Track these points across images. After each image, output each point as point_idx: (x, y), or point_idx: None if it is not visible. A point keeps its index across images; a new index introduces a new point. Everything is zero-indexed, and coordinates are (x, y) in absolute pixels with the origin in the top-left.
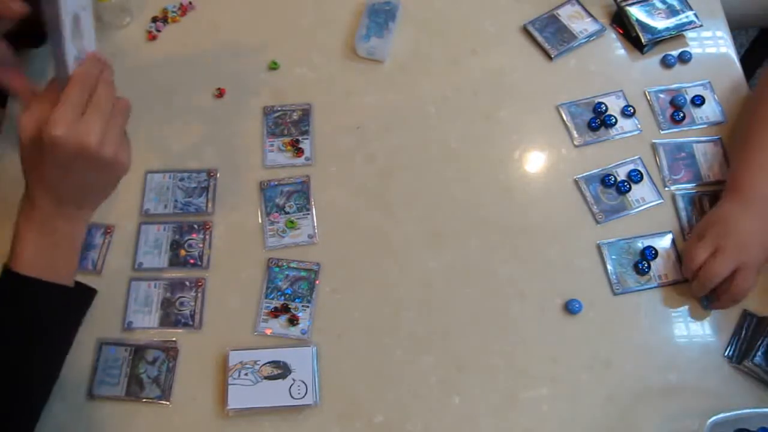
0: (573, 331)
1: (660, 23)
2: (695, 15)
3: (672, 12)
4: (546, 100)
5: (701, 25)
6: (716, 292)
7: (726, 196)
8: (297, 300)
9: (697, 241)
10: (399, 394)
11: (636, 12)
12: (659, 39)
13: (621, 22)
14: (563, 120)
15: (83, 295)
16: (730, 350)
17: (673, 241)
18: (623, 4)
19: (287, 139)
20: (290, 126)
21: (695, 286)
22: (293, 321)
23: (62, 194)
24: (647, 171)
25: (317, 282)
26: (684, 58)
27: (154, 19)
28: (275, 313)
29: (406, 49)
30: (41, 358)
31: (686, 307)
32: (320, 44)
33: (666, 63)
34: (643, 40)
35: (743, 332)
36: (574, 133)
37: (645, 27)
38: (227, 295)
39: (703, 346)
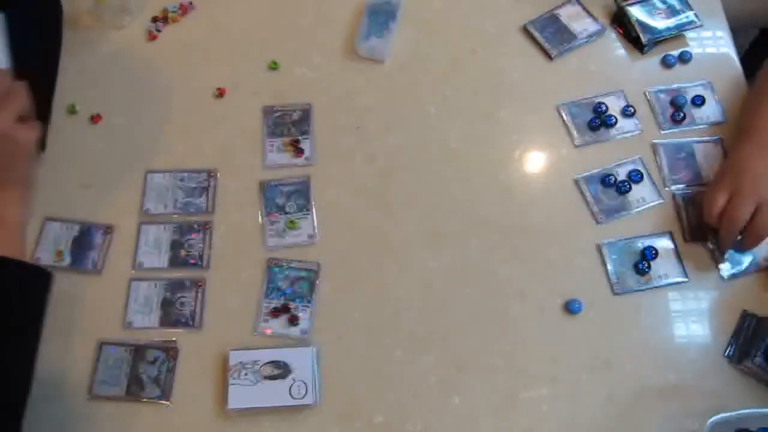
0: (573, 331)
1: (660, 23)
2: (695, 15)
3: (672, 12)
4: (546, 100)
5: (701, 25)
6: (741, 234)
7: (739, 141)
8: (297, 300)
9: (716, 187)
10: (399, 394)
11: (636, 12)
12: (659, 39)
13: (621, 22)
14: (563, 120)
15: (38, 275)
16: (730, 350)
17: (674, 241)
18: (623, 4)
19: (287, 139)
20: (290, 126)
21: (722, 235)
22: (293, 321)
23: None
24: (647, 171)
25: (317, 282)
26: (684, 58)
27: (154, 19)
28: (275, 313)
29: (406, 49)
30: (9, 346)
31: (686, 307)
32: (320, 44)
33: (666, 63)
34: (643, 40)
35: (743, 332)
36: (574, 133)
37: (645, 27)
38: (227, 295)
39: (703, 346)
